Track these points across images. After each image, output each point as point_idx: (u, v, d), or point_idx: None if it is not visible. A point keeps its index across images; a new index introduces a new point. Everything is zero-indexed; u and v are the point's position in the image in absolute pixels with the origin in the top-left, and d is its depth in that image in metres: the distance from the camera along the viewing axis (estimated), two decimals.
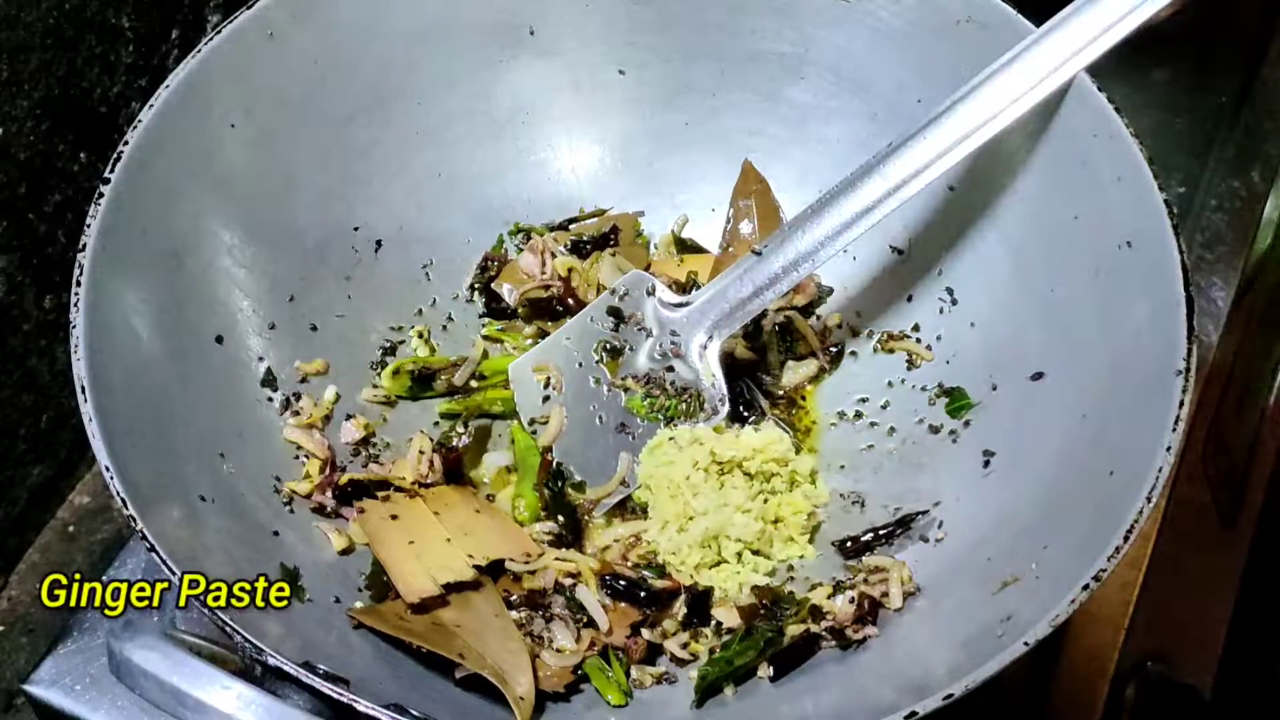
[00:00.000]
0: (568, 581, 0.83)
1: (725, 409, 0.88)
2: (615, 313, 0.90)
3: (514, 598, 0.83)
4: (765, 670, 0.81)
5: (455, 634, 0.79)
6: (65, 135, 0.90)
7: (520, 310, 0.96)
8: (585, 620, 0.82)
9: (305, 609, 0.79)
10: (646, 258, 0.99)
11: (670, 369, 0.89)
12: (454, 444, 0.90)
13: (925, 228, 0.94)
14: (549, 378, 0.91)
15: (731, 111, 0.98)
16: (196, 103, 0.85)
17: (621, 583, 0.83)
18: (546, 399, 0.91)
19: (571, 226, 0.99)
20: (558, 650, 0.81)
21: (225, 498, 0.80)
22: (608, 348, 0.90)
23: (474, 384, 0.94)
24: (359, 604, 0.81)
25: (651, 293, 0.90)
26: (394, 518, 0.84)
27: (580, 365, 0.91)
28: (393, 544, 0.82)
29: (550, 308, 0.96)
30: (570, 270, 0.96)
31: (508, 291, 0.96)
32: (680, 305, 0.89)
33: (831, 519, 0.89)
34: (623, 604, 0.83)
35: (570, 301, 0.95)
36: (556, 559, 0.84)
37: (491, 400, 0.93)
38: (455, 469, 0.89)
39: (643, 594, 0.83)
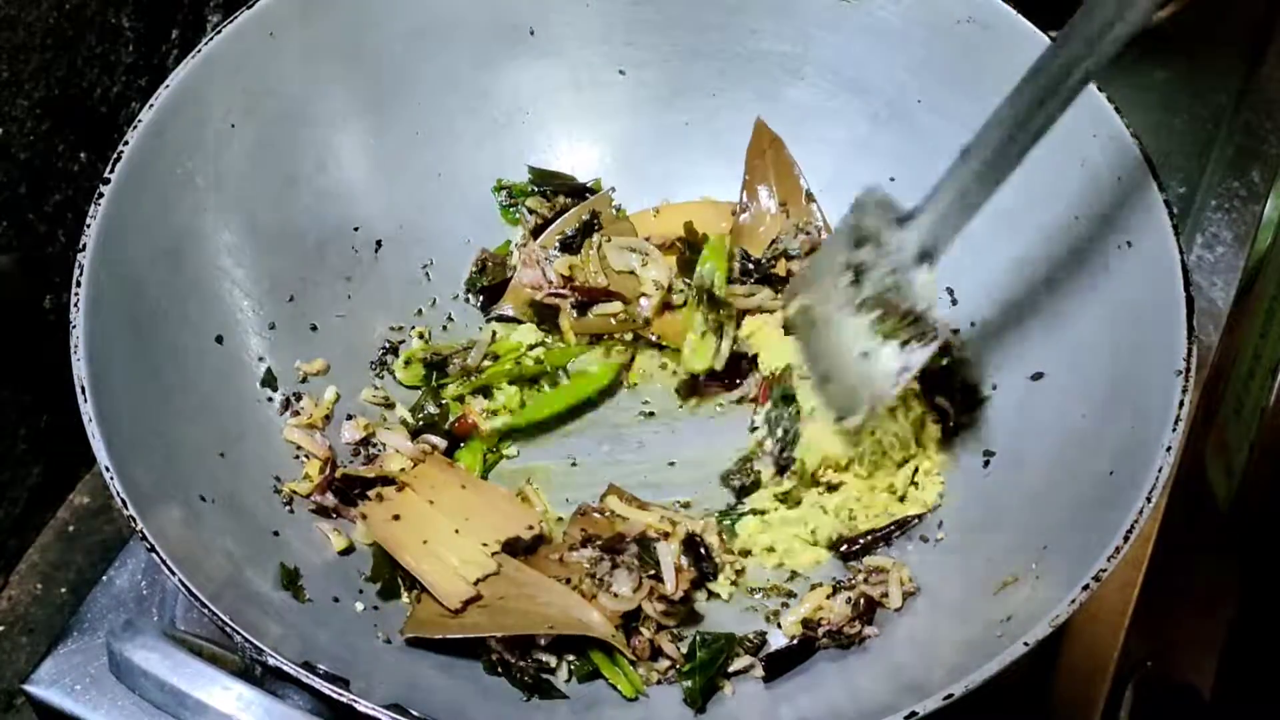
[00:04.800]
0: (653, 535, 0.84)
1: (945, 333, 0.82)
2: (856, 230, 0.83)
3: (591, 536, 0.84)
4: (759, 671, 0.81)
5: (510, 609, 0.79)
6: (65, 135, 0.90)
7: (525, 314, 0.96)
8: (651, 572, 0.83)
9: (305, 609, 0.79)
10: (634, 228, 0.98)
11: (897, 288, 0.81)
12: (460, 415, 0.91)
13: None
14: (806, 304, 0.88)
15: (731, 111, 0.98)
16: (196, 103, 0.85)
17: (703, 549, 0.84)
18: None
19: (551, 190, 0.99)
20: (615, 595, 0.81)
21: (225, 498, 0.80)
22: (858, 268, 0.83)
23: (487, 363, 0.94)
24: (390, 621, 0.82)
25: (881, 205, 0.82)
26: (396, 518, 0.84)
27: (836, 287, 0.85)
28: (410, 547, 0.82)
29: (555, 315, 0.96)
30: (571, 268, 0.96)
31: (511, 310, 0.96)
32: (905, 219, 0.82)
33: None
34: (689, 567, 0.83)
35: (587, 299, 0.95)
36: (664, 516, 0.85)
37: (500, 375, 0.93)
38: (464, 439, 0.90)
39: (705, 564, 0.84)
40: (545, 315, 0.96)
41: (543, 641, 0.79)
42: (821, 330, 0.87)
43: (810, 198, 0.98)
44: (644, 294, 0.95)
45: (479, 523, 0.84)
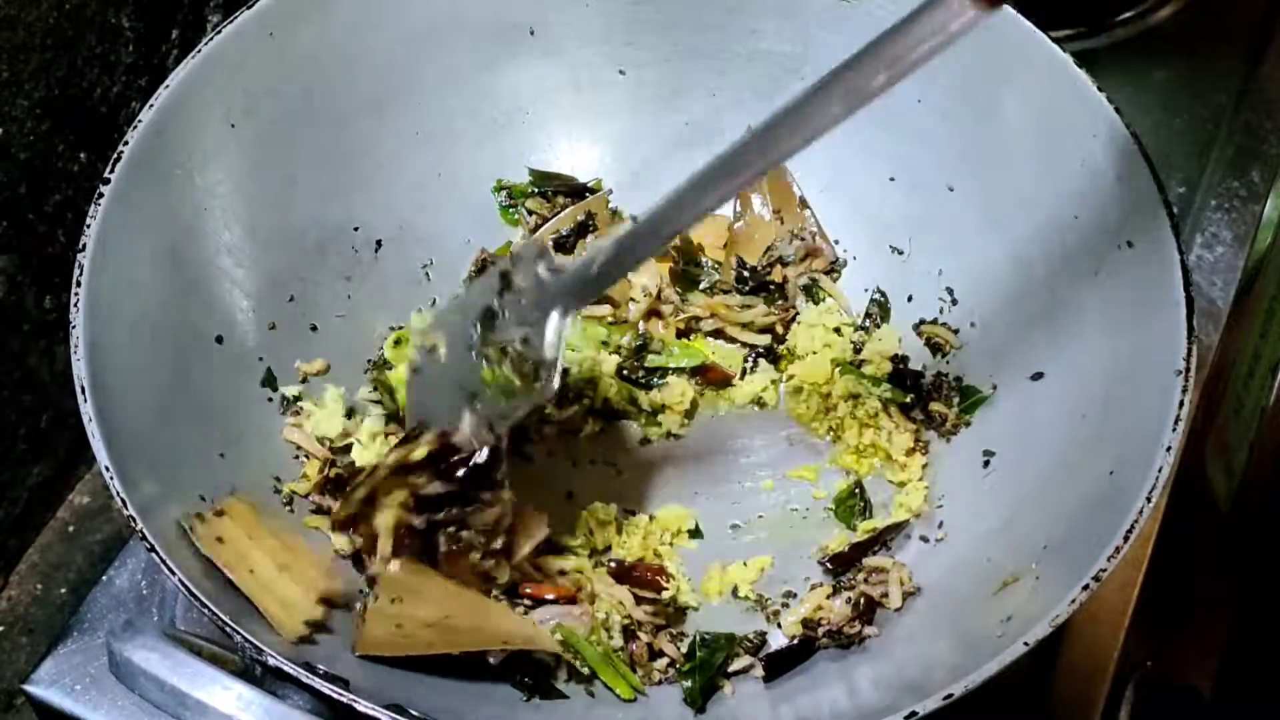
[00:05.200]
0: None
1: (554, 387, 0.80)
2: (505, 278, 0.82)
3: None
4: (759, 671, 0.81)
5: (462, 627, 0.78)
6: (65, 135, 0.90)
7: None
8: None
9: None
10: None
11: (526, 340, 0.81)
12: None
13: (925, 228, 0.94)
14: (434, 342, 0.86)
15: (731, 111, 0.98)
16: (196, 103, 0.85)
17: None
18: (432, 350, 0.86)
19: (551, 191, 0.99)
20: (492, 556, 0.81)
21: (225, 498, 0.80)
22: (487, 312, 0.82)
23: None
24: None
25: (542, 257, 0.82)
26: (220, 540, 0.78)
27: (465, 329, 0.85)
28: (239, 572, 0.76)
29: None
30: None
31: None
32: (557, 272, 0.81)
33: (829, 521, 0.89)
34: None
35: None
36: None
37: None
38: None
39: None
40: None
41: (493, 660, 0.78)
42: (437, 368, 0.85)
43: (804, 204, 0.98)
44: (632, 299, 0.95)
45: (297, 572, 0.79)
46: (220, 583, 0.74)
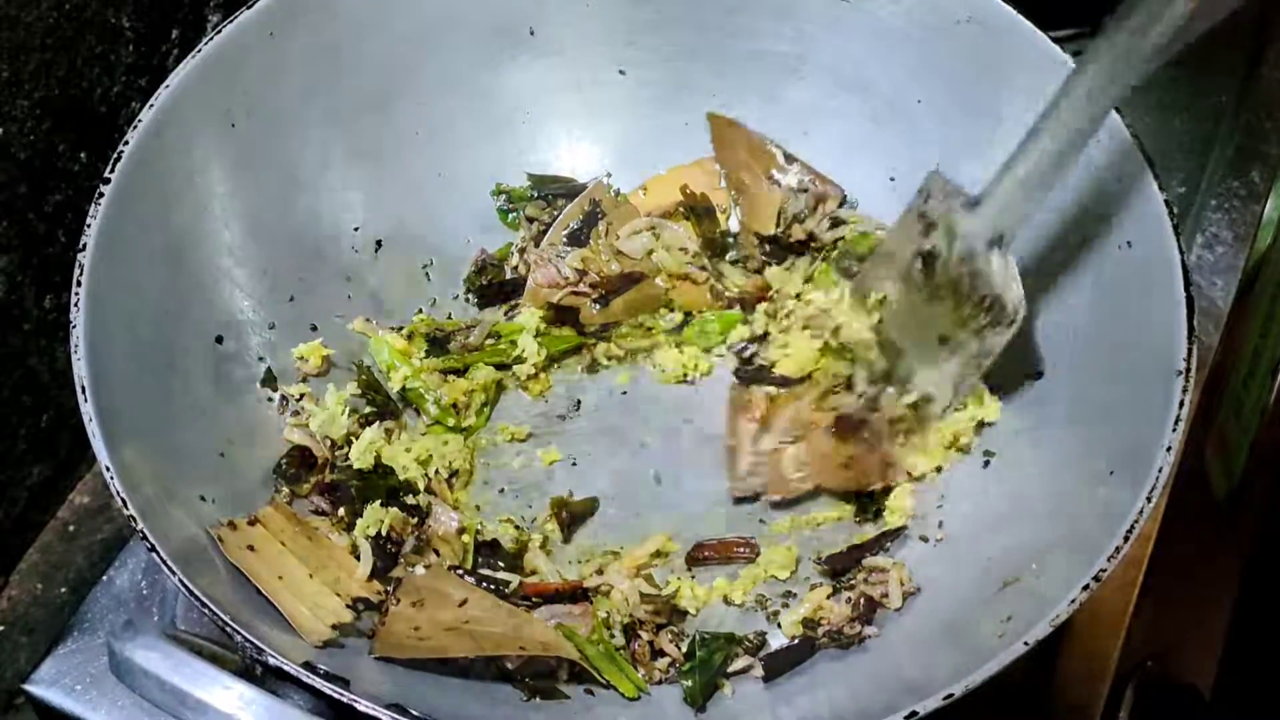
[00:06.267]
0: None
1: (1021, 314, 0.80)
2: (924, 218, 0.82)
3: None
4: (759, 671, 0.81)
5: (480, 632, 0.78)
6: (65, 135, 0.90)
7: (546, 317, 0.95)
8: None
9: None
10: (636, 210, 0.98)
11: (974, 275, 0.81)
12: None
13: None
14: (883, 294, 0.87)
15: (732, 112, 0.98)
16: (197, 102, 0.85)
17: None
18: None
19: (550, 194, 0.99)
20: None
21: (225, 498, 0.80)
22: (928, 255, 0.82)
23: (489, 343, 0.94)
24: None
25: (950, 194, 0.82)
26: (251, 548, 0.79)
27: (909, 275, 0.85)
28: (266, 579, 0.78)
29: (574, 313, 0.96)
30: (584, 260, 0.96)
31: (529, 314, 0.95)
32: (974, 203, 0.81)
33: (829, 522, 0.89)
34: None
35: (608, 292, 0.95)
36: None
37: (501, 353, 0.93)
38: None
39: None
40: (565, 318, 0.96)
41: (510, 665, 0.79)
42: (899, 320, 0.87)
43: (790, 158, 0.98)
44: (668, 271, 0.96)
45: (327, 573, 0.81)
46: (223, 583, 0.74)
